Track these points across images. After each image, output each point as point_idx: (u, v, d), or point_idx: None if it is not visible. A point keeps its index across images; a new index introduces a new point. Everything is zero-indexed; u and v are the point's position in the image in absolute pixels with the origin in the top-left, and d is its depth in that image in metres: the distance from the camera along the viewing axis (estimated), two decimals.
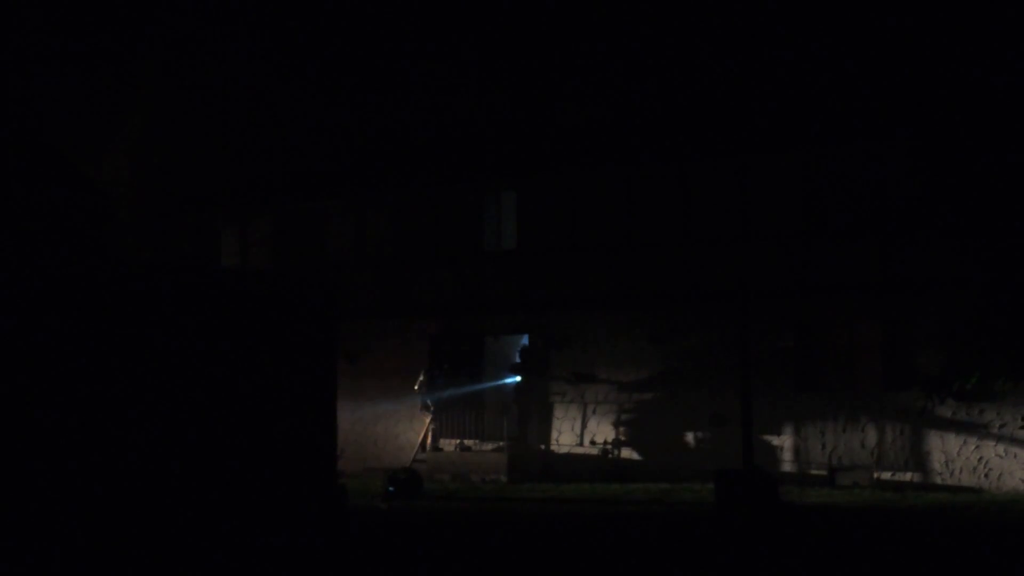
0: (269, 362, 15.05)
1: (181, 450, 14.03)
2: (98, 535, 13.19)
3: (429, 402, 25.24)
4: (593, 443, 24.78)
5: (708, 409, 23.55)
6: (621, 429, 24.58)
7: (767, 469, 20.15)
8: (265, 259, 28.36)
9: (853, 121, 23.50)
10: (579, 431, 24.98)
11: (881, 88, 24.42)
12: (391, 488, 20.73)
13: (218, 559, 13.25)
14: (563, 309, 25.27)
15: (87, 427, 13.30)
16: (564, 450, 25.01)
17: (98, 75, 31.57)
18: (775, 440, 22.98)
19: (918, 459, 21.91)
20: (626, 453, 24.46)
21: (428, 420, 25.13)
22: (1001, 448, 21.25)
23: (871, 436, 22.34)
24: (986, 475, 21.30)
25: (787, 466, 22.81)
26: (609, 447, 24.57)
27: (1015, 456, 21.10)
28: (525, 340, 26.12)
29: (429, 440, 25.37)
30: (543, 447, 25.21)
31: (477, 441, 25.24)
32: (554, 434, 25.21)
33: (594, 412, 24.88)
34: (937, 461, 21.73)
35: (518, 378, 25.67)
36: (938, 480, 21.65)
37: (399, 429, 26.62)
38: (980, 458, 21.39)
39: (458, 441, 25.36)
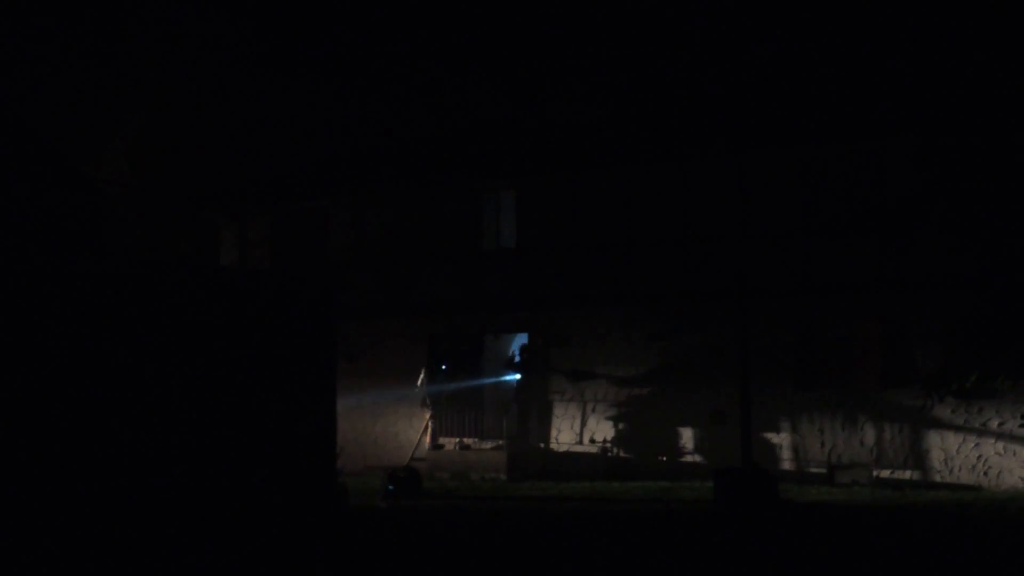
0: (268, 361, 15.05)
1: (180, 449, 14.03)
2: (96, 534, 13.19)
3: (427, 398, 25.24)
4: (592, 441, 24.79)
5: (707, 407, 23.56)
6: (620, 427, 24.59)
7: (766, 467, 20.16)
8: (264, 258, 28.36)
9: (853, 119, 23.50)
10: (578, 429, 24.99)
11: (881, 86, 24.43)
12: (391, 487, 20.73)
13: (218, 558, 13.25)
14: (562, 308, 25.28)
15: (85, 426, 13.30)
16: (563, 448, 25.03)
17: (97, 74, 31.56)
18: (774, 438, 22.99)
19: (917, 457, 21.92)
20: (625, 451, 24.47)
21: (427, 418, 25.11)
22: (1000, 446, 21.27)
23: (870, 434, 22.35)
24: (985, 473, 21.31)
25: (786, 464, 22.82)
26: (608, 445, 24.58)
27: (1014, 454, 21.11)
28: (516, 341, 26.13)
29: (427, 439, 25.39)
30: (542, 445, 25.23)
31: (477, 440, 25.26)
32: (553, 432, 25.22)
33: (593, 410, 24.89)
34: (936, 459, 21.74)
35: (518, 376, 25.69)
36: (937, 478, 21.66)
37: (399, 428, 26.63)
38: (979, 456, 21.40)
39: (458, 440, 25.38)
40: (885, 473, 21.98)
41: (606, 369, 24.83)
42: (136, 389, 13.72)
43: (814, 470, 22.57)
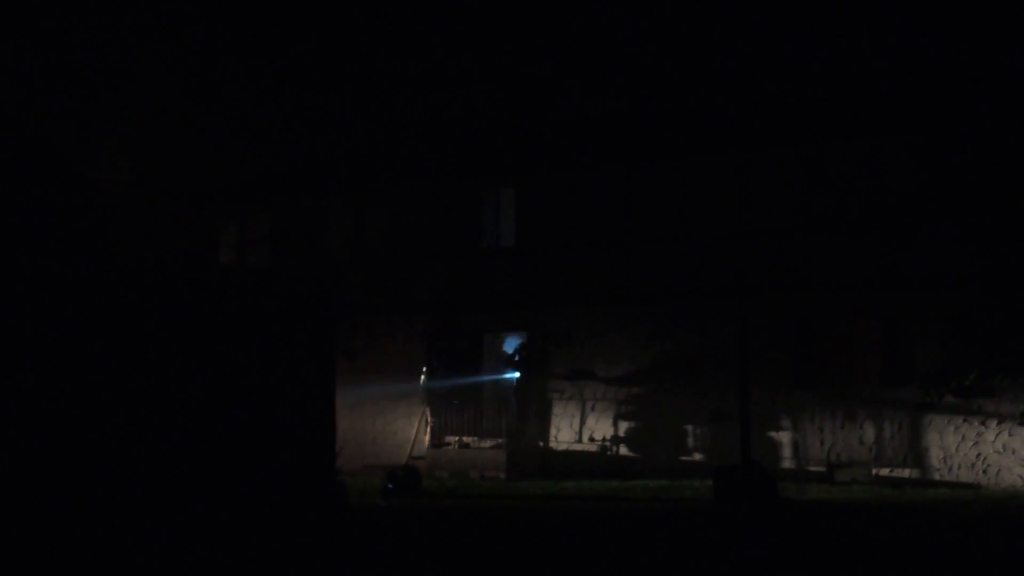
0: (267, 360, 15.05)
1: (178, 448, 14.03)
2: (95, 532, 13.20)
3: (423, 396, 25.20)
4: (592, 440, 24.79)
5: (707, 405, 23.56)
6: (620, 426, 24.59)
7: (766, 466, 20.16)
8: (263, 257, 28.36)
9: (852, 117, 23.51)
10: (578, 428, 24.99)
11: (881, 84, 24.43)
12: (390, 485, 20.73)
13: (217, 557, 13.25)
14: (562, 306, 25.28)
15: (84, 424, 13.30)
16: (563, 447, 25.03)
17: (97, 73, 31.56)
18: (774, 436, 22.99)
19: (916, 455, 21.92)
20: (625, 450, 24.47)
21: (422, 414, 24.96)
22: (999, 444, 21.27)
23: (869, 432, 22.36)
24: (984, 471, 21.32)
25: (786, 462, 22.83)
26: (608, 444, 24.59)
27: (1013, 452, 21.12)
28: (509, 340, 26.12)
29: (427, 437, 25.39)
30: (542, 444, 25.23)
31: (476, 438, 25.26)
32: (553, 431, 25.22)
33: (593, 409, 24.90)
34: (935, 457, 21.75)
35: (517, 375, 25.69)
36: (936, 476, 21.66)
37: (398, 426, 26.62)
38: (978, 454, 21.40)
39: (457, 438, 25.38)
40: (884, 471, 21.98)
41: (605, 368, 24.84)
42: (135, 388, 13.72)
43: (813, 468, 22.57)
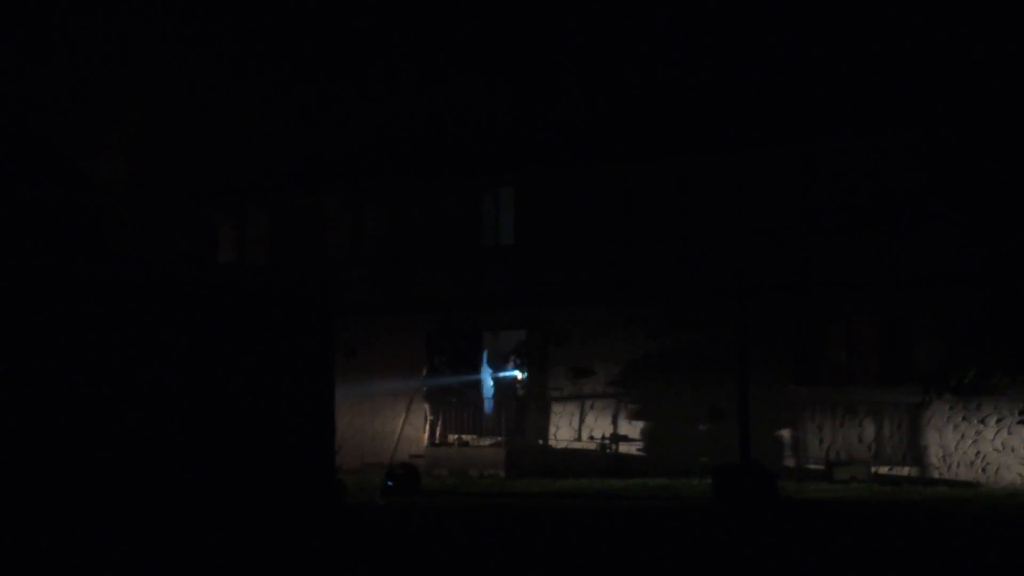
0: (267, 358, 15.05)
1: (177, 446, 14.03)
2: (94, 530, 13.19)
3: (415, 387, 25.09)
4: (591, 438, 24.79)
5: (706, 403, 23.56)
6: (619, 424, 24.59)
7: (765, 464, 20.14)
8: (263, 255, 28.36)
9: (851, 116, 23.49)
10: (577, 426, 24.99)
11: (880, 82, 24.41)
12: (389, 483, 20.73)
13: (216, 555, 13.25)
14: (561, 304, 25.27)
15: (83, 422, 13.30)
16: (562, 445, 25.03)
17: (95, 71, 31.54)
18: (773, 435, 22.98)
19: (916, 453, 21.92)
20: (624, 448, 24.47)
21: (406, 412, 24.51)
22: (999, 442, 21.27)
23: (869, 430, 22.36)
24: (983, 469, 21.32)
25: (785, 460, 22.83)
26: (607, 442, 24.58)
27: (1012, 450, 21.12)
28: (514, 338, 26.13)
29: (425, 434, 25.38)
30: (541, 442, 25.23)
31: (475, 436, 25.26)
32: (552, 429, 25.22)
33: (592, 407, 24.89)
34: (934, 455, 21.75)
35: (516, 373, 25.70)
36: (935, 474, 21.66)
37: (397, 424, 26.59)
38: (977, 452, 21.40)
39: (456, 436, 25.38)
40: (883, 469, 21.98)
41: (604, 366, 24.83)
42: (134, 386, 13.72)
43: (813, 466, 22.57)
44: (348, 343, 25.44)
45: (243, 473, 14.57)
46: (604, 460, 24.39)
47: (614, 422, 24.65)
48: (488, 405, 25.76)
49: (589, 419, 24.89)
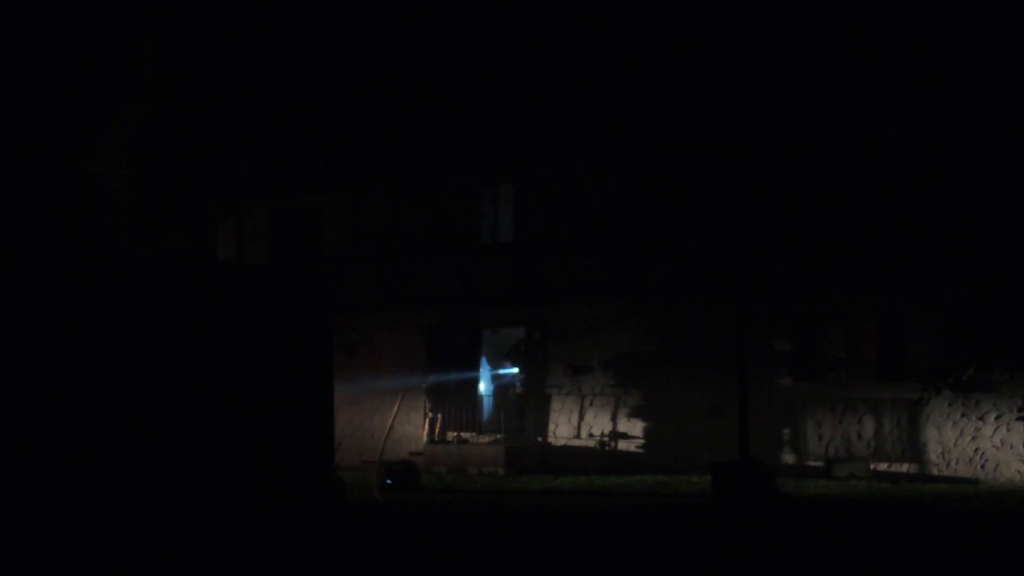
0: (266, 355, 15.05)
1: (176, 444, 14.03)
2: (92, 528, 13.19)
3: (409, 384, 25.04)
4: (590, 435, 24.80)
5: (705, 401, 23.57)
6: (618, 421, 24.60)
7: (764, 461, 20.15)
8: (261, 252, 28.36)
9: (851, 112, 23.50)
10: (576, 423, 25.00)
11: (879, 79, 24.42)
12: (388, 481, 20.75)
13: (215, 553, 13.25)
14: (560, 301, 25.28)
15: (82, 421, 13.30)
16: (561, 442, 25.04)
17: (94, 68, 31.53)
18: (772, 432, 22.99)
19: (915, 450, 21.94)
20: (623, 445, 24.48)
21: (396, 408, 24.36)
22: (997, 439, 21.28)
23: (868, 427, 22.37)
24: (982, 466, 21.33)
25: (784, 458, 22.84)
26: (606, 439, 24.59)
27: (1011, 447, 21.13)
28: (513, 335, 26.12)
29: (424, 431, 25.37)
30: (540, 439, 25.24)
31: (474, 434, 25.27)
32: (551, 426, 25.23)
33: (591, 404, 24.90)
34: (933, 452, 21.76)
35: (515, 370, 25.70)
36: (934, 471, 21.68)
37: (396, 422, 26.60)
38: (976, 449, 21.42)
39: (455, 434, 25.39)
40: (882, 466, 22.00)
41: (604, 363, 24.84)
42: (133, 384, 13.72)
43: (812, 463, 22.59)
44: (347, 341, 25.44)
45: (241, 471, 14.58)
46: (603, 457, 24.41)
47: (613, 419, 24.65)
48: (487, 402, 25.77)
49: (588, 416, 24.90)
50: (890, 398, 22.20)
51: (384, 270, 27.08)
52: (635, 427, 24.43)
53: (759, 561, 13.00)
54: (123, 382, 13.63)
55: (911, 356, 22.08)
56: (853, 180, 22.62)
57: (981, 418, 21.43)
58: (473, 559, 13.25)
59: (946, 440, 21.67)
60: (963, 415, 21.56)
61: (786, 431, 23.05)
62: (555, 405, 25.26)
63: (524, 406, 25.44)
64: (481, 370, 26.01)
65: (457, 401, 25.65)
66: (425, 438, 25.59)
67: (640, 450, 24.27)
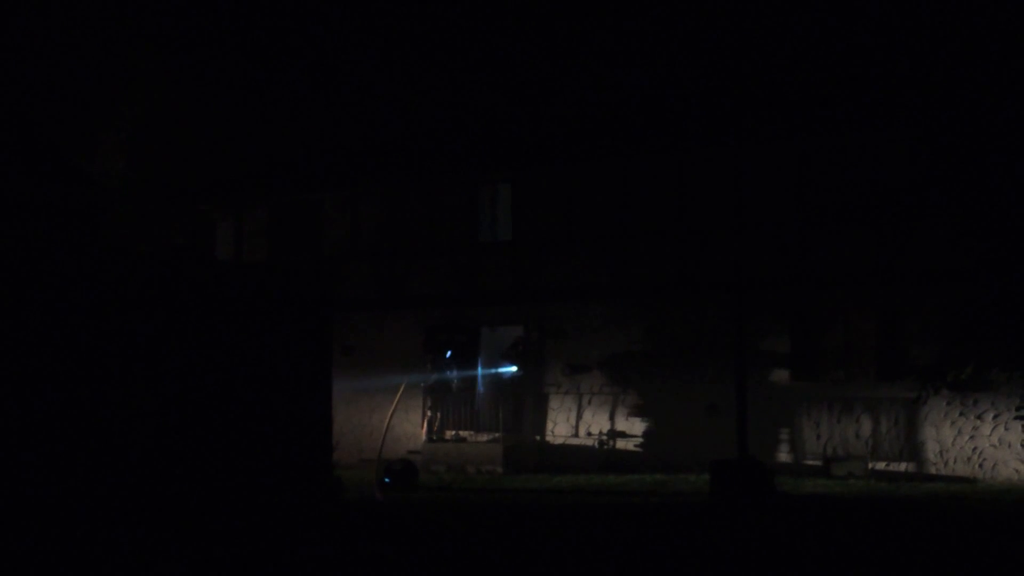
0: (264, 354, 15.06)
1: (175, 442, 14.04)
2: (91, 527, 13.20)
3: (406, 381, 25.01)
4: (589, 434, 24.81)
5: (703, 400, 23.58)
6: (616, 420, 24.60)
7: (762, 460, 20.17)
8: (260, 251, 28.36)
9: (850, 111, 23.50)
10: (574, 422, 25.00)
11: (878, 78, 24.42)
12: (387, 479, 20.75)
13: (214, 551, 13.26)
14: (558, 300, 25.28)
15: (81, 419, 13.30)
16: (559, 441, 25.04)
17: (92, 67, 31.53)
18: (770, 431, 22.99)
19: (913, 449, 21.95)
20: (621, 444, 24.49)
21: (392, 407, 24.23)
22: (995, 438, 21.29)
23: (866, 426, 22.38)
24: (980, 465, 21.34)
25: (782, 456, 22.85)
26: (604, 438, 24.60)
27: (1009, 446, 21.14)
28: (512, 334, 26.11)
29: (423, 430, 25.36)
30: (538, 438, 25.24)
31: (472, 432, 25.28)
32: (549, 425, 25.24)
33: (589, 403, 24.91)
34: (932, 451, 21.77)
35: (514, 369, 25.70)
36: (933, 470, 21.69)
37: (395, 420, 26.60)
38: (974, 448, 21.43)
39: (454, 432, 25.39)
40: (881, 465, 22.01)
41: (602, 361, 24.84)
42: (132, 382, 13.73)
43: (810, 462, 22.60)
44: (346, 340, 25.44)
45: (239, 469, 14.58)
46: (601, 456, 24.42)
47: (611, 418, 24.66)
48: (485, 401, 25.76)
49: (586, 415, 24.90)
50: (888, 397, 22.21)
51: (383, 269, 27.09)
52: (633, 426, 24.44)
53: (757, 560, 13.00)
54: (120, 380, 13.64)
55: (909, 355, 22.09)
56: (852, 179, 22.63)
57: (979, 417, 21.44)
58: (472, 558, 13.26)
59: (944, 439, 21.69)
60: (961, 414, 21.58)
61: (784, 430, 23.06)
62: (553, 404, 25.27)
63: (522, 405, 25.44)
64: (479, 368, 26.01)
65: (456, 399, 25.66)
66: (424, 436, 25.60)
67: (638, 449, 24.28)
